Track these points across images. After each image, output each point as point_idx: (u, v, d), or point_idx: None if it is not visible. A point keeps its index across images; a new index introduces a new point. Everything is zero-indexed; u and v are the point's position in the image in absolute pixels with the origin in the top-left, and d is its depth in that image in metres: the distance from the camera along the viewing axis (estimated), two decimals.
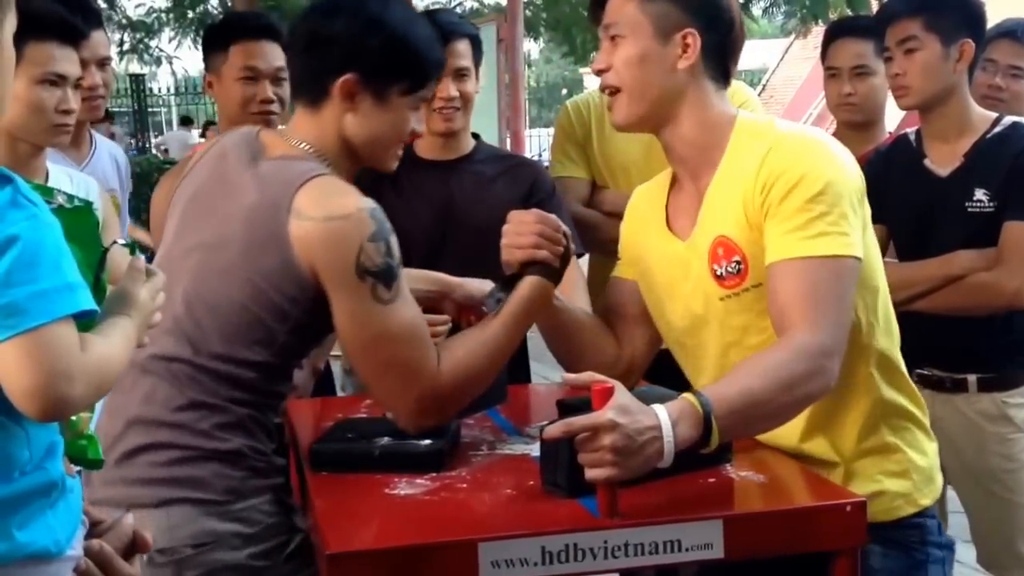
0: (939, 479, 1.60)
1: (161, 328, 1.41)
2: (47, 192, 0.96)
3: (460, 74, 2.12)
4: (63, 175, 2.11)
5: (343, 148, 1.51)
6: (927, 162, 2.17)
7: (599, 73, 1.55)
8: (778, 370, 1.33)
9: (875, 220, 2.20)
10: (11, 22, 0.93)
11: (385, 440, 1.48)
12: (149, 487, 1.37)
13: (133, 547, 1.00)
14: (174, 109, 17.09)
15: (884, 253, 2.23)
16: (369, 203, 1.40)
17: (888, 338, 1.54)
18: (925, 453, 1.58)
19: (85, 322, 0.92)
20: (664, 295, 1.60)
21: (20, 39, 0.95)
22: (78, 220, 0.95)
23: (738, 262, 1.47)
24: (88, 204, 0.97)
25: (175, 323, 1.42)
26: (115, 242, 1.04)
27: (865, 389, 1.51)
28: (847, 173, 1.46)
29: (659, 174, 1.70)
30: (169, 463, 1.38)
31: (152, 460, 1.39)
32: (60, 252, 0.88)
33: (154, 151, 12.77)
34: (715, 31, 1.51)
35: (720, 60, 1.53)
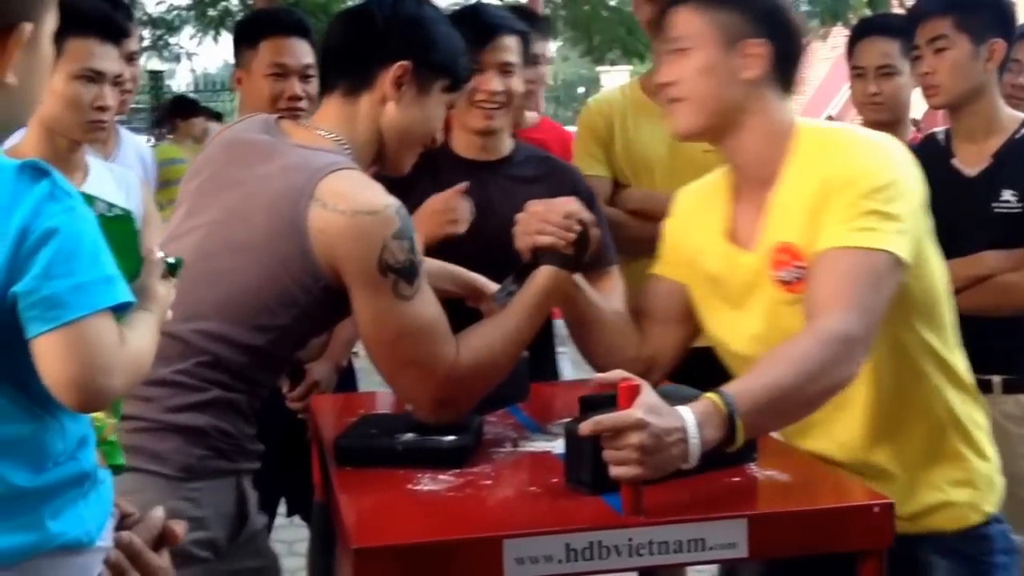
0: (1000, 483, 1.59)
1: None
2: (88, 200, 0.97)
3: (505, 69, 2.02)
4: (104, 169, 2.12)
5: (372, 139, 1.52)
6: (955, 161, 2.16)
7: (664, 86, 1.54)
8: (802, 360, 1.32)
9: None
10: (52, 20, 0.94)
11: (409, 436, 1.48)
12: None
13: (162, 539, 1.01)
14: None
15: None
16: (394, 201, 1.41)
17: (952, 350, 1.54)
18: (988, 459, 1.57)
19: (119, 315, 0.92)
20: (732, 307, 1.57)
21: (61, 34, 0.96)
22: (118, 229, 0.96)
23: (801, 267, 1.46)
24: (128, 213, 0.98)
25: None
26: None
27: (932, 396, 1.51)
28: (906, 177, 1.45)
29: (707, 177, 1.68)
30: (132, 431, 1.37)
31: (122, 426, 1.35)
32: (98, 244, 0.89)
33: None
34: (780, 40, 1.50)
35: (786, 69, 1.52)
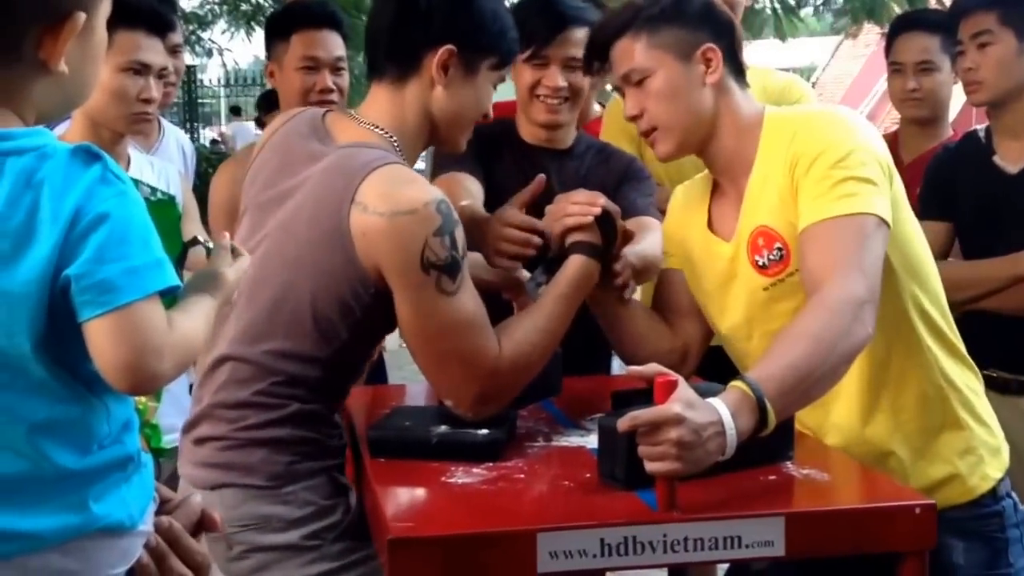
0: (1006, 450, 1.59)
1: (226, 330, 1.43)
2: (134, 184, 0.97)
3: (571, 64, 1.91)
4: (144, 161, 2.14)
5: (423, 125, 1.51)
6: (996, 159, 2.13)
7: (633, 119, 1.56)
8: (818, 334, 1.32)
9: (941, 217, 2.20)
10: (106, 8, 0.95)
11: (442, 428, 1.48)
12: (207, 470, 1.45)
13: (200, 526, 1.01)
14: (222, 101, 17.29)
15: (949, 251, 2.20)
16: (436, 195, 1.39)
17: (942, 315, 1.54)
18: (988, 425, 1.57)
19: (168, 299, 0.93)
20: (713, 296, 1.61)
21: (109, 26, 0.97)
22: (161, 213, 0.96)
23: (779, 248, 1.49)
24: (171, 198, 0.99)
25: (238, 319, 1.44)
26: (196, 239, 1.06)
27: (927, 365, 1.51)
28: (869, 143, 1.48)
29: (698, 175, 1.72)
30: (224, 449, 1.44)
31: (213, 447, 1.45)
32: (148, 229, 0.89)
33: (204, 142, 12.96)
34: (723, 36, 1.54)
35: (735, 60, 1.55)
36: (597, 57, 1.59)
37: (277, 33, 2.32)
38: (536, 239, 1.59)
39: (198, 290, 1.00)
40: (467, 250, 1.42)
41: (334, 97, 2.26)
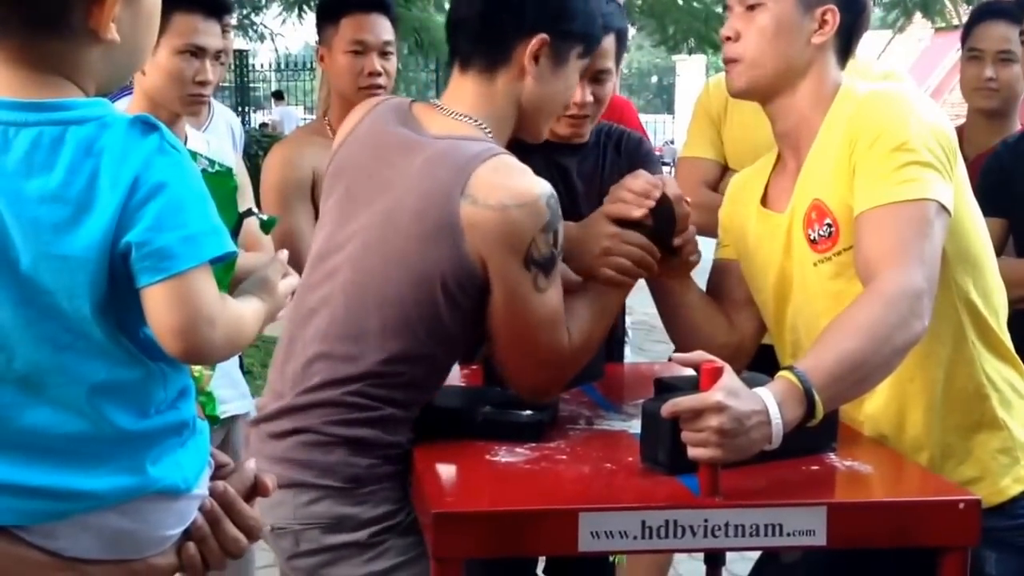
0: None
1: (320, 326, 1.40)
2: (191, 156, 1.00)
3: (599, 77, 1.79)
4: (200, 139, 2.18)
5: (510, 115, 1.48)
6: None
7: (727, 40, 1.54)
8: (872, 325, 1.30)
9: (995, 213, 2.15)
10: None
11: (487, 408, 1.50)
12: (284, 467, 1.38)
13: (254, 490, 1.04)
14: (273, 85, 17.46)
15: (1002, 248, 2.16)
16: (545, 188, 1.38)
17: (990, 311, 1.51)
18: None
19: (228, 264, 0.95)
20: (760, 270, 1.60)
21: (167, 9, 0.99)
22: (218, 184, 0.99)
23: (829, 225, 1.47)
24: (228, 170, 1.01)
25: (333, 316, 1.41)
26: (251, 211, 1.08)
27: (966, 361, 1.48)
28: (933, 124, 1.45)
29: (761, 158, 1.69)
30: (305, 445, 1.40)
31: (294, 442, 1.41)
32: (203, 197, 0.92)
33: (254, 125, 13.14)
34: (850, 10, 1.51)
35: (847, 39, 1.53)
36: None
37: (327, 17, 2.34)
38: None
39: (249, 292, 1.02)
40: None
41: (382, 81, 2.28)
